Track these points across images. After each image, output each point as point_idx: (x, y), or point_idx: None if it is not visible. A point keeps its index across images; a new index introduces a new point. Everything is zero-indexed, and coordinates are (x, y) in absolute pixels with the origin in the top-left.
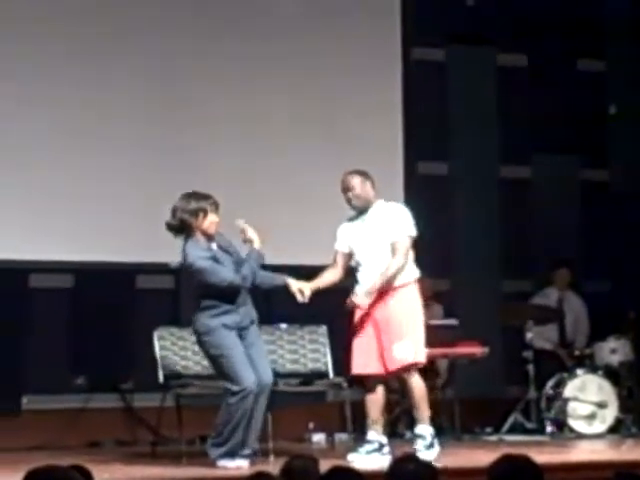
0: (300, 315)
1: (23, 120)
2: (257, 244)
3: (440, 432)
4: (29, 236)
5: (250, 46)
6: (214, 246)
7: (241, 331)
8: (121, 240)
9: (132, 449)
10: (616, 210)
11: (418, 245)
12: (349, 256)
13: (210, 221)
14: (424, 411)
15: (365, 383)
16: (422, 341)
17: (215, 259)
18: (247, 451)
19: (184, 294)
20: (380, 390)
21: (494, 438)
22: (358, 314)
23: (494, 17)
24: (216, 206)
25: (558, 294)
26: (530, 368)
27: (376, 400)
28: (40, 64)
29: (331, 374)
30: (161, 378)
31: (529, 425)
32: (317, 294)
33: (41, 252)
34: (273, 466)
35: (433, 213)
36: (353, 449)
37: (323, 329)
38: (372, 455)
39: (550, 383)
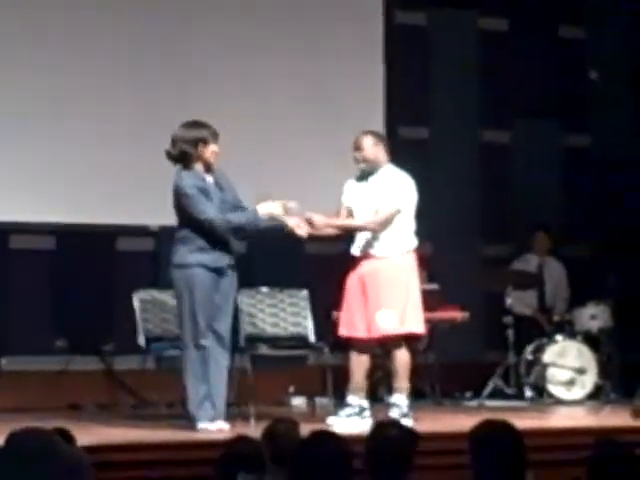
0: (281, 279)
1: (5, 85)
2: (287, 222)
3: (421, 397)
4: (9, 197)
5: (238, 10)
6: (210, 179)
7: (217, 273)
8: (102, 202)
9: (113, 412)
10: (597, 175)
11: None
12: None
13: (211, 150)
14: (404, 382)
15: (352, 344)
16: (415, 312)
17: (205, 192)
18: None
19: (164, 257)
20: (366, 355)
21: (474, 403)
22: (351, 273)
23: None
24: (216, 135)
25: (538, 260)
26: (510, 333)
27: (362, 363)
28: (38, 29)
29: (312, 338)
30: (142, 341)
31: (509, 390)
32: (299, 258)
33: (22, 213)
34: (254, 429)
35: (414, 177)
36: (333, 412)
37: (304, 293)
38: (352, 419)
39: (529, 348)
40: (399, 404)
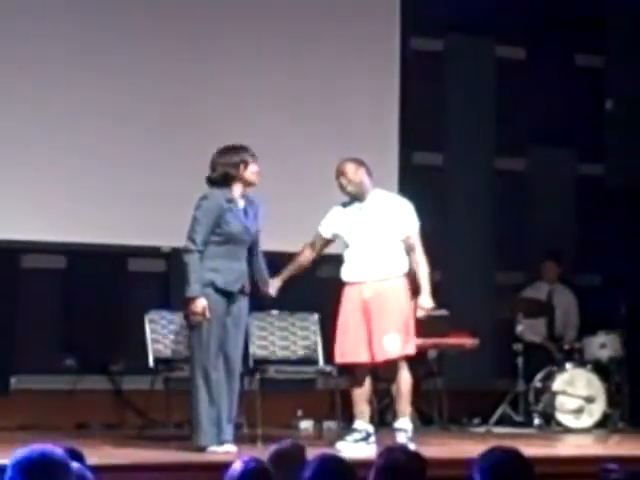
0: (291, 302)
1: (20, 101)
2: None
3: (428, 422)
4: (21, 216)
5: (252, 26)
6: (241, 203)
7: (229, 297)
8: (114, 223)
9: (120, 432)
10: (610, 205)
11: None
12: (328, 242)
13: (251, 171)
14: (407, 405)
15: (353, 372)
16: (412, 333)
17: (227, 210)
18: (225, 436)
19: (175, 278)
20: (367, 380)
21: (482, 429)
22: (348, 299)
23: (493, 8)
24: (255, 156)
25: (548, 287)
26: (519, 361)
27: (363, 391)
28: (52, 44)
29: (321, 362)
30: (151, 362)
31: (517, 417)
32: (309, 283)
33: (34, 233)
34: (261, 452)
35: (427, 203)
36: (341, 437)
37: (314, 317)
38: (359, 444)
39: (539, 376)
40: (405, 428)
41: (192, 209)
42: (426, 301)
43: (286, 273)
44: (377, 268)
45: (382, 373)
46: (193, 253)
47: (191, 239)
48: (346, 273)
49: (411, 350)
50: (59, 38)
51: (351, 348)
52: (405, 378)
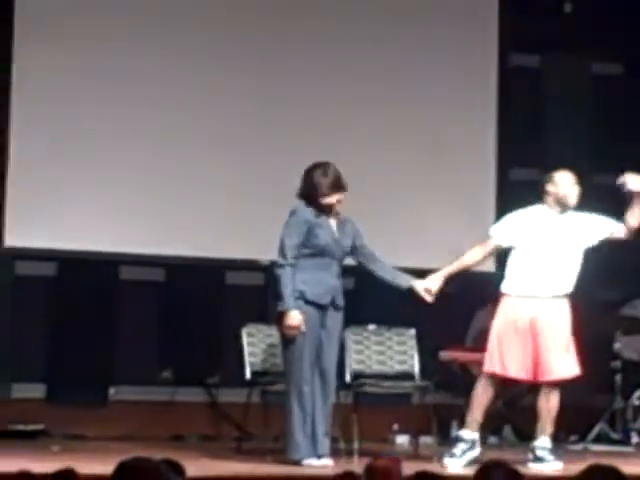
0: (389, 316)
1: (115, 119)
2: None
3: (526, 439)
4: (121, 229)
5: (346, 52)
6: (332, 220)
7: (321, 309)
8: (213, 236)
9: (217, 444)
10: None
11: None
12: (499, 250)
13: (326, 201)
14: (551, 425)
15: (491, 383)
16: (575, 354)
17: (316, 225)
18: (321, 450)
19: (273, 291)
20: (495, 390)
21: (579, 447)
22: (511, 311)
23: (590, 24)
24: (333, 188)
25: None
26: (617, 378)
27: (488, 399)
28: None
29: (417, 376)
30: (248, 374)
31: (614, 435)
32: (407, 296)
33: (133, 245)
34: (358, 466)
35: None
36: (448, 453)
37: (412, 332)
38: (467, 454)
39: (637, 394)
40: (548, 447)
41: None
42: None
43: (450, 269)
44: (553, 285)
45: (544, 391)
46: (284, 267)
47: (282, 253)
48: (508, 284)
49: (576, 371)
50: (154, 60)
51: (513, 363)
52: (556, 398)
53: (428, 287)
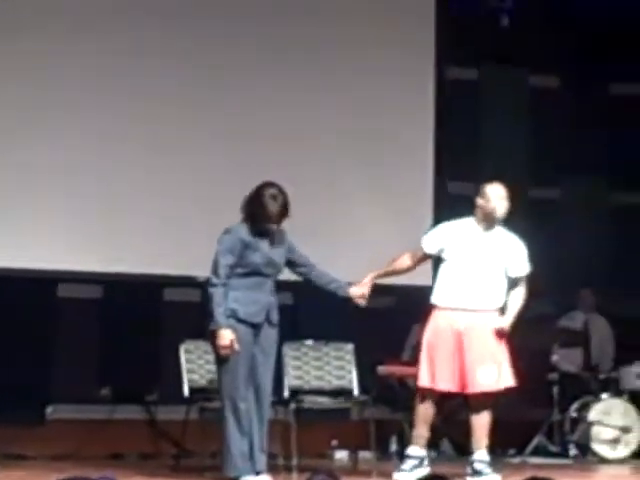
0: (326, 332)
1: (55, 127)
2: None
3: (463, 453)
4: (58, 246)
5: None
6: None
7: (254, 328)
8: (150, 252)
9: (155, 461)
10: None
11: None
12: (428, 258)
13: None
14: (486, 438)
15: (426, 397)
16: (507, 366)
17: (250, 245)
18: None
19: (206, 309)
20: (434, 405)
21: (517, 460)
22: (439, 323)
23: (527, 38)
24: (275, 196)
25: (584, 317)
26: (555, 390)
27: (429, 415)
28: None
29: (356, 392)
30: (186, 391)
31: (552, 448)
32: (344, 311)
33: (70, 262)
34: None
35: None
36: (397, 468)
37: (350, 347)
38: (415, 471)
39: (574, 406)
40: (485, 460)
41: None
42: (506, 321)
43: (379, 272)
44: (481, 298)
45: (471, 404)
46: (217, 286)
47: (215, 272)
48: (438, 296)
49: (509, 382)
50: (109, 72)
51: (433, 374)
52: (490, 413)
53: (361, 293)
